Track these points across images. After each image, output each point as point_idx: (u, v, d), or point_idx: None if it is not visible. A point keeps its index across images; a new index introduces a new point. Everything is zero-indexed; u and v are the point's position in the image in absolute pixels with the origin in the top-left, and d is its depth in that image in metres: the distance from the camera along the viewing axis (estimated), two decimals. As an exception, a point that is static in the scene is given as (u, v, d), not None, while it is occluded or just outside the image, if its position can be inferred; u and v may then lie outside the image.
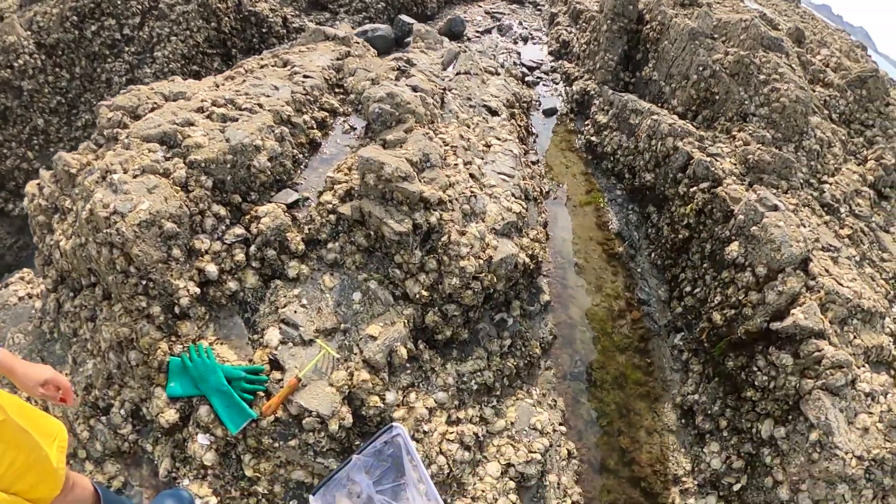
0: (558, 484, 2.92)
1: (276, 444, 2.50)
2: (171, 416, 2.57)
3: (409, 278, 2.77)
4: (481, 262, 2.80)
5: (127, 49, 7.02)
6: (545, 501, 2.84)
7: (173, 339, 2.65)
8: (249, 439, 2.54)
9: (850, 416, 2.84)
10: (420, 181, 2.92)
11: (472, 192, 2.97)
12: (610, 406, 3.25)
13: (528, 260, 3.00)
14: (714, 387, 3.31)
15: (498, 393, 2.93)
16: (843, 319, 3.11)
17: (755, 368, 3.09)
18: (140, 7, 6.95)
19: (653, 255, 3.84)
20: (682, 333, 3.51)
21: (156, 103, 3.41)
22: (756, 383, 3.07)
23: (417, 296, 2.73)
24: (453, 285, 2.75)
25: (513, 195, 3.10)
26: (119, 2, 6.83)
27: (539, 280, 3.29)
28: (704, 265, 3.62)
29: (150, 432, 2.71)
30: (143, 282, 2.62)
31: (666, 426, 3.31)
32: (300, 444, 2.48)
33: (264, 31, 7.67)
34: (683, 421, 3.34)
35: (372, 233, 2.83)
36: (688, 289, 3.56)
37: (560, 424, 3.05)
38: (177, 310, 2.67)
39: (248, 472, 2.55)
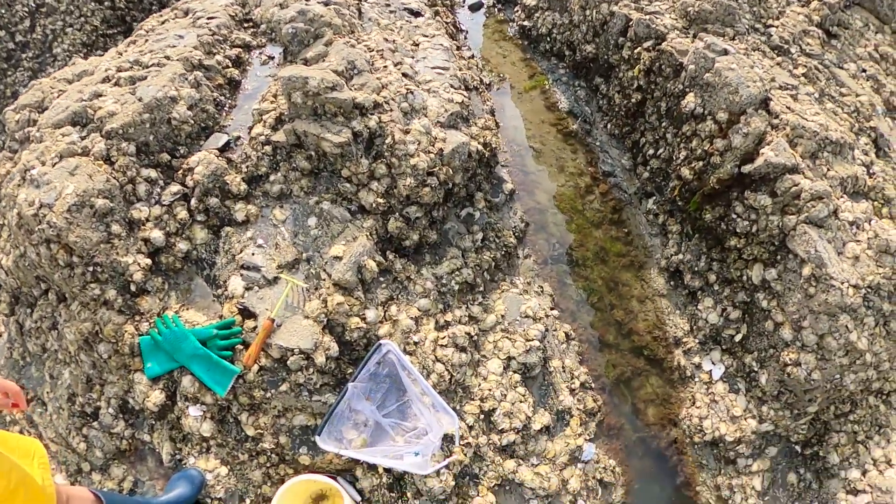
0: (563, 368, 2.92)
1: (269, 394, 2.42)
2: (157, 397, 2.47)
3: (361, 189, 2.63)
4: (432, 156, 2.67)
5: (24, 56, 6.54)
6: (554, 388, 2.83)
7: (137, 318, 2.53)
8: (241, 397, 2.46)
9: (838, 246, 2.86)
10: (350, 89, 2.75)
11: (407, 89, 2.81)
12: (597, 282, 3.24)
13: (481, 148, 2.89)
14: (696, 243, 3.31)
15: (481, 289, 2.88)
16: (813, 153, 3.09)
17: (734, 216, 3.07)
18: (26, 10, 6.44)
19: (608, 125, 3.76)
20: (654, 197, 3.47)
21: (61, 90, 3.17)
22: (738, 230, 3.06)
23: (374, 205, 2.61)
24: (408, 186, 2.63)
25: (451, 87, 2.96)
26: (2, 11, 6.32)
27: (498, 170, 3.20)
28: (663, 124, 3.55)
29: (144, 422, 2.63)
30: (90, 268, 2.48)
31: (656, 291, 3.32)
32: (291, 386, 2.40)
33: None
34: (672, 283, 3.35)
35: (312, 153, 2.67)
36: (651, 151, 3.51)
37: (551, 309, 3.02)
38: (133, 287, 2.53)
39: (250, 432, 2.48)
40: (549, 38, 4.57)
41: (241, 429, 2.51)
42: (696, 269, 3.24)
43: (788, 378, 2.82)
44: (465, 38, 4.00)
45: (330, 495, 2.55)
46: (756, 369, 2.98)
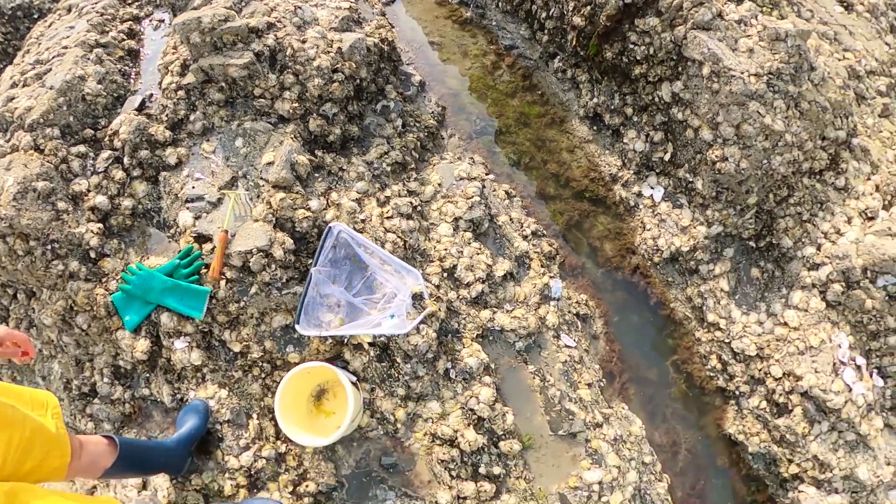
0: (511, 220, 3.17)
1: (242, 303, 2.62)
2: (143, 345, 2.66)
3: (276, 101, 2.85)
4: (332, 55, 2.89)
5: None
6: (507, 238, 3.09)
7: (104, 280, 2.71)
8: (219, 316, 2.66)
9: (730, 44, 3.14)
10: (242, 18, 2.95)
11: (295, 6, 3.01)
12: (524, 145, 3.51)
13: (379, 43, 3.11)
14: (606, 84, 3.59)
15: (413, 167, 3.14)
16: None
17: (631, 46, 3.36)
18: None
19: (499, 4, 4.03)
20: (558, 56, 3.75)
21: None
22: (638, 58, 3.34)
23: (291, 111, 2.83)
24: (318, 85, 2.86)
25: (336, -3, 3.19)
26: None
27: (404, 68, 3.47)
28: None
29: (139, 378, 2.81)
30: (49, 247, 2.66)
31: (582, 139, 3.59)
32: (260, 287, 2.61)
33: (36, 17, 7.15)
34: (595, 128, 3.64)
35: (223, 84, 2.87)
36: (543, 15, 3.76)
37: (487, 174, 3.26)
38: (92, 254, 2.71)
39: (237, 348, 2.69)
40: None
41: (228, 348, 2.71)
42: (612, 107, 3.53)
43: (721, 175, 3.12)
44: None
45: (329, 388, 2.76)
46: (691, 179, 3.29)
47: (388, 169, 3.04)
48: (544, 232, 3.25)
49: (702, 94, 3.14)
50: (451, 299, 2.81)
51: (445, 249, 2.90)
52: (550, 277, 3.04)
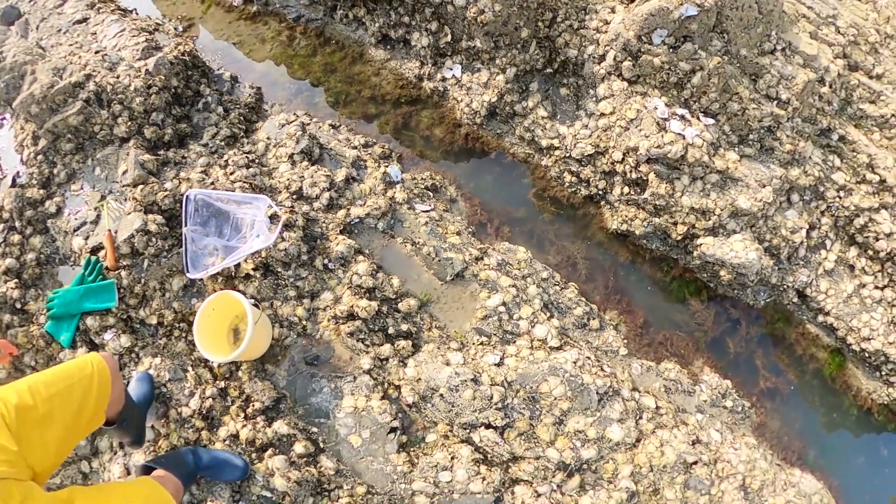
0: (340, 141, 4.86)
1: (142, 280, 4.18)
2: (82, 353, 4.14)
3: (113, 128, 4.49)
4: (143, 76, 4.69)
5: None
6: (339, 154, 4.63)
7: (34, 319, 4.23)
8: (130, 300, 3.79)
9: None
10: (64, 80, 4.94)
11: (103, 56, 4.95)
12: (337, 87, 5.07)
13: (180, 55, 4.99)
14: (381, 7, 5.10)
15: (243, 136, 4.68)
16: None
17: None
18: None
19: None
20: (338, 5, 5.54)
21: None
22: None
23: (127, 131, 4.16)
24: (140, 103, 4.21)
25: (133, 37, 5.13)
26: None
27: (217, 72, 5.20)
28: None
29: None
30: None
31: (383, 61, 5.04)
32: (150, 260, 3.89)
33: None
34: (388, 47, 5.08)
35: (69, 135, 4.66)
36: None
37: (308, 116, 5.06)
38: (18, 305, 4.44)
39: (153, 320, 3.83)
40: None
41: (147, 323, 3.88)
42: (392, 23, 5.17)
43: (487, 26, 4.39)
44: (136, 11, 5.82)
45: (240, 320, 4.27)
46: (472, 43, 4.96)
47: (223, 143, 4.26)
48: (374, 142, 4.50)
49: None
50: (307, 211, 4.45)
51: (288, 179, 4.41)
52: (386, 166, 4.70)
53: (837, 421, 4.31)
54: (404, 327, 3.94)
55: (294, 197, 4.21)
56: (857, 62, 5.14)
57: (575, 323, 4.18)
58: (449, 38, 4.72)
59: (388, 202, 4.26)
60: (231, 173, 4.26)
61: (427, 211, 4.32)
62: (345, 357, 3.90)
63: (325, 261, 4.05)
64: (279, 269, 4.01)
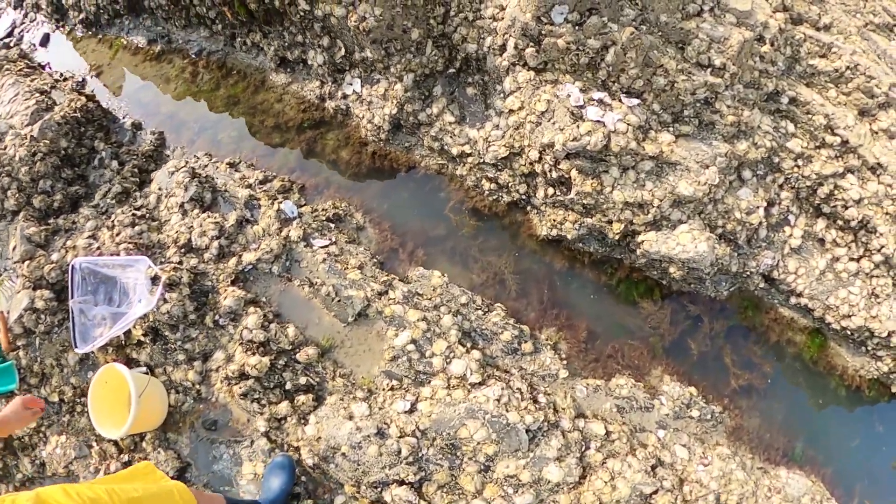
0: (234, 181, 4.20)
1: (36, 356, 3.67)
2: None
3: (3, 202, 4.11)
4: (28, 144, 4.11)
5: None
6: (232, 195, 4.02)
7: None
8: (31, 379, 3.48)
9: None
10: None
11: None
12: (240, 116, 4.60)
13: (73, 112, 4.40)
14: (274, 31, 4.50)
15: (136, 189, 4.17)
16: None
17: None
18: None
19: (175, 22, 5.10)
20: (235, 33, 4.93)
21: None
22: None
23: (16, 203, 3.85)
24: (26, 172, 3.91)
25: (27, 101, 4.55)
26: None
27: (121, 121, 4.66)
28: None
29: (8, 466, 3.67)
30: None
31: (284, 86, 4.59)
32: (42, 338, 3.57)
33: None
34: (288, 70, 4.67)
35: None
36: (201, 8, 5.00)
37: (210, 158, 4.39)
38: None
39: (55, 397, 3.43)
40: (97, 11, 5.50)
41: (49, 401, 3.62)
42: (287, 44, 4.53)
43: (372, 33, 3.79)
44: (49, 66, 5.48)
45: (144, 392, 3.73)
46: (364, 55, 4.25)
47: (113, 201, 3.85)
48: (274, 175, 4.03)
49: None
50: (195, 265, 3.75)
51: (177, 231, 3.75)
52: (280, 203, 3.99)
53: (825, 405, 3.71)
54: (303, 380, 3.39)
55: (182, 251, 3.70)
56: (801, 14, 4.20)
57: (503, 349, 3.60)
58: (343, 51, 4.02)
59: (282, 243, 3.71)
60: (117, 234, 3.81)
61: (326, 246, 3.76)
62: (242, 420, 3.39)
63: (216, 317, 3.52)
64: (167, 333, 3.51)
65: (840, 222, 3.82)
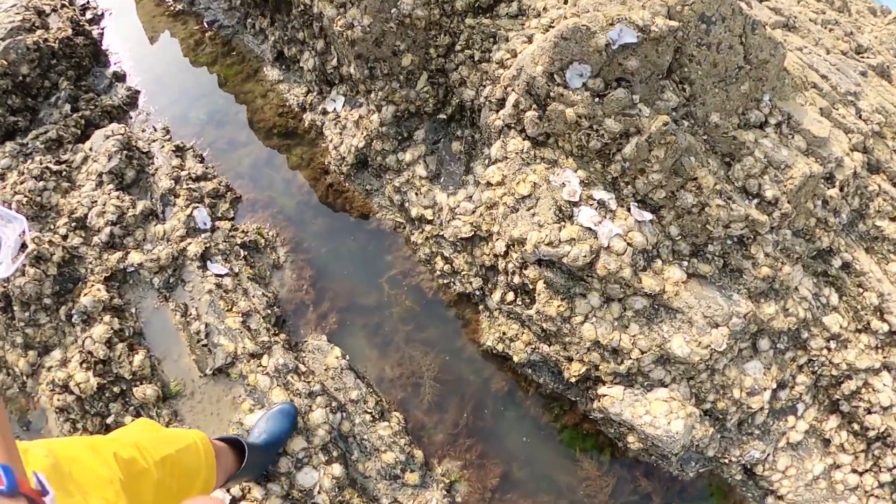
0: (172, 167, 2.71)
1: None
2: None
3: None
4: None
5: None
6: (155, 183, 2.62)
7: None
8: None
9: None
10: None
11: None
12: (219, 102, 3.11)
13: (53, 43, 3.00)
14: (279, 19, 3.17)
15: (71, 141, 2.82)
16: None
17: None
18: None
19: None
20: (249, 14, 3.37)
21: None
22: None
23: None
24: None
25: (16, 13, 3.15)
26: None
27: (107, 67, 3.38)
28: None
29: None
30: None
31: (273, 82, 3.30)
32: None
33: None
34: (283, 66, 3.26)
35: None
36: None
37: (167, 133, 2.89)
38: None
39: None
40: None
41: None
42: (287, 38, 3.08)
43: (358, 47, 2.48)
44: None
45: None
46: (348, 70, 2.65)
47: (42, 146, 2.76)
48: (215, 175, 2.73)
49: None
50: (76, 245, 2.33)
51: (78, 202, 2.48)
52: (194, 209, 2.47)
53: None
54: (128, 420, 2.10)
55: (73, 225, 2.48)
56: (880, 161, 2.37)
57: (381, 472, 2.19)
58: (335, 61, 2.82)
59: (174, 254, 2.40)
60: (21, 182, 2.61)
61: (221, 275, 2.42)
62: (54, 433, 2.16)
63: (71, 311, 2.28)
64: (16, 308, 2.29)
65: (856, 426, 2.44)
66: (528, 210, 2.22)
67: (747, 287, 2.30)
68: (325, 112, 2.84)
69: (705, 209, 2.22)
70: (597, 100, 2.19)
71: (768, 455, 2.49)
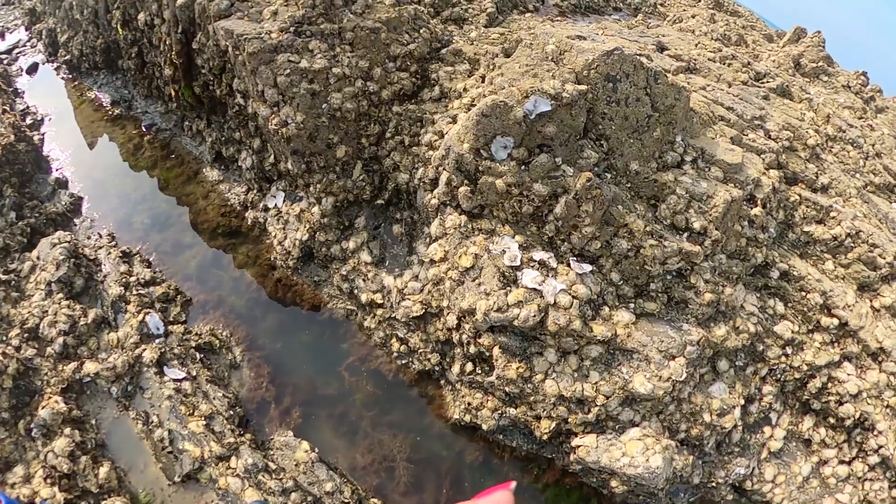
0: (121, 274, 2.57)
1: None
2: None
3: None
4: None
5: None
6: (106, 291, 2.47)
7: None
8: None
9: (255, 17, 2.64)
10: None
11: None
12: (161, 206, 3.03)
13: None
14: (216, 121, 3.12)
15: (17, 249, 2.72)
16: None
17: (204, 72, 2.89)
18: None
19: (139, 90, 3.63)
20: (186, 117, 3.34)
21: None
22: (208, 76, 2.90)
23: None
24: None
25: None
26: None
27: (47, 175, 3.23)
28: (150, 55, 3.45)
29: None
30: None
31: (214, 183, 3.24)
32: None
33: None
34: (222, 167, 3.24)
35: None
36: (159, 81, 3.45)
37: (112, 240, 2.77)
38: None
39: None
40: (80, 56, 4.14)
41: None
42: (224, 139, 3.04)
43: (293, 142, 2.45)
44: (24, 94, 3.96)
45: None
46: (290, 167, 2.61)
47: None
48: (163, 279, 2.62)
49: (245, 76, 2.57)
50: (30, 357, 2.16)
51: (29, 312, 2.34)
52: (146, 315, 2.34)
53: None
54: None
55: (25, 336, 2.32)
56: (796, 173, 2.44)
57: None
58: (272, 158, 2.52)
59: (130, 362, 2.27)
60: None
61: (179, 380, 2.29)
62: None
63: (30, 425, 2.12)
64: None
65: (832, 420, 2.52)
66: (474, 281, 2.18)
67: (695, 315, 2.29)
68: (266, 209, 2.79)
69: (640, 251, 2.21)
70: (523, 167, 2.20)
71: (753, 469, 2.45)
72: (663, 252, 2.15)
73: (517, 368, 2.11)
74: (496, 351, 2.12)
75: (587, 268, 2.17)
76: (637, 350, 2.14)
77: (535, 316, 2.02)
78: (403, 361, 2.40)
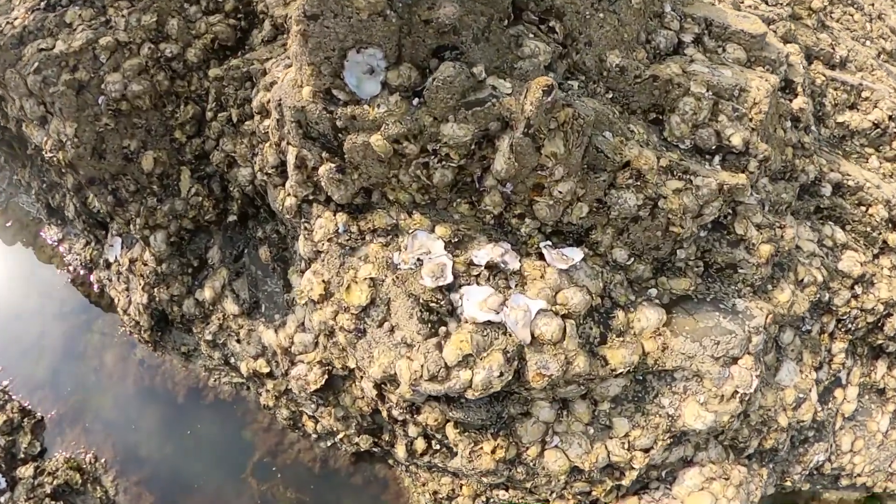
0: None
1: None
2: None
3: None
4: None
5: None
6: None
7: None
8: None
9: None
10: None
11: None
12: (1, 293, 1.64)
13: None
14: (35, 168, 1.67)
15: None
16: None
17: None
18: None
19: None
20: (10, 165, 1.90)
21: None
22: None
23: None
24: None
25: None
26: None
27: None
28: None
29: None
30: None
31: (52, 243, 1.69)
32: None
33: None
34: (58, 222, 1.71)
35: None
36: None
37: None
38: None
39: None
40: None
41: None
42: (46, 185, 1.60)
43: (82, 171, 1.05)
44: None
45: None
46: (98, 204, 1.23)
47: None
48: (10, 396, 1.29)
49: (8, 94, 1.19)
50: None
51: None
52: None
53: None
54: None
55: None
56: (809, 46, 0.83)
57: None
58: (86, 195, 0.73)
59: None
60: None
61: None
62: None
63: None
64: None
65: None
66: (379, 326, 0.90)
67: (748, 282, 1.04)
68: (108, 264, 1.42)
69: (659, 205, 0.94)
70: (414, 100, 0.85)
71: (831, 445, 1.27)
72: (697, 197, 0.87)
73: (493, 451, 0.88)
74: (451, 432, 0.89)
75: (574, 255, 0.89)
76: (680, 367, 0.91)
77: (500, 375, 0.76)
78: (327, 444, 1.13)
